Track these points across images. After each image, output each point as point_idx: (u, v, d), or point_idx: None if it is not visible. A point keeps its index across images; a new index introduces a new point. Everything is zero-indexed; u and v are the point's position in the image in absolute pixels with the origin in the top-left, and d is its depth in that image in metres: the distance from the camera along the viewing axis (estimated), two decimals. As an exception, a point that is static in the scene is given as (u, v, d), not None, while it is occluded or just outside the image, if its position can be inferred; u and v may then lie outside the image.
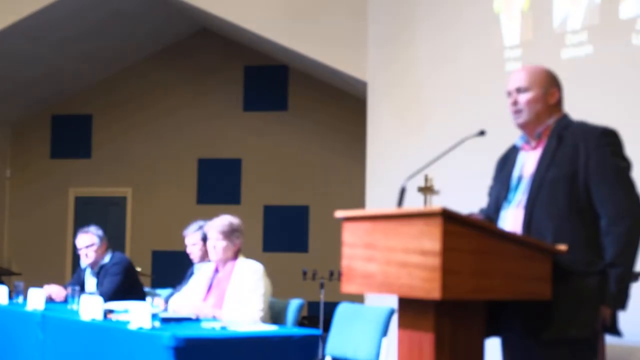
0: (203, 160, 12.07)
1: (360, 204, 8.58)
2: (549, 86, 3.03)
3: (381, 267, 2.75)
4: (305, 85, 11.59)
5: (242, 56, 11.76)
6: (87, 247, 5.77)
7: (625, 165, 2.89)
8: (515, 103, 3.02)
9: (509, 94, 3.05)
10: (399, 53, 7.82)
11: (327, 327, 4.86)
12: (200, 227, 5.51)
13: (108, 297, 5.14)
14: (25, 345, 4.98)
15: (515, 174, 3.05)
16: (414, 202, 6.58)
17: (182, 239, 5.63)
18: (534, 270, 2.69)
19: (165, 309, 4.67)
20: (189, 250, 5.59)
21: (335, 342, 4.48)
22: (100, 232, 5.84)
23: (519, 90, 3.02)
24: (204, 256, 5.29)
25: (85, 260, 5.82)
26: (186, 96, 12.10)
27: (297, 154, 11.77)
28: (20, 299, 5.58)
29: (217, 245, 4.66)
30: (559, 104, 3.05)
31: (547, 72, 3.06)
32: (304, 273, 8.77)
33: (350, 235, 2.92)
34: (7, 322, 5.33)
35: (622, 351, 4.48)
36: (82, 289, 5.54)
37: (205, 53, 12.05)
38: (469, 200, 3.62)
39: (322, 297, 8.42)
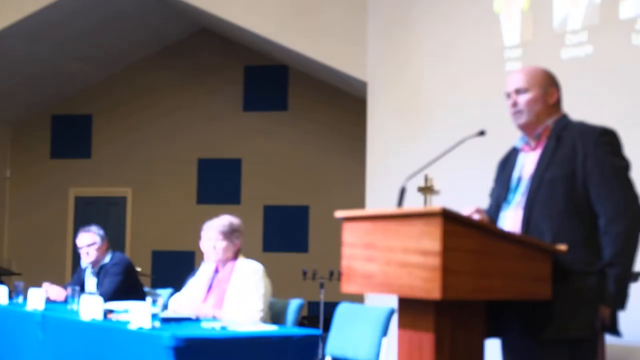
0: (203, 160, 12.07)
1: (360, 204, 8.58)
2: (547, 86, 3.02)
3: (381, 267, 2.75)
4: (305, 85, 11.59)
5: (242, 56, 11.76)
6: (88, 245, 5.78)
7: (623, 164, 2.88)
8: (515, 104, 3.01)
9: (508, 95, 3.03)
10: (399, 53, 7.82)
11: (327, 327, 4.85)
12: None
13: (108, 297, 5.13)
14: (25, 345, 4.98)
15: (515, 175, 3.05)
16: (414, 202, 6.58)
17: (182, 239, 5.59)
18: (534, 270, 2.69)
19: (165, 307, 4.65)
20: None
21: (335, 342, 4.48)
22: (101, 232, 5.85)
23: (518, 92, 3.01)
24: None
25: (86, 259, 5.82)
26: (186, 96, 12.10)
27: (297, 154, 11.77)
28: (20, 299, 5.58)
29: (217, 246, 4.65)
30: (557, 103, 3.04)
31: (545, 72, 3.05)
32: (304, 273, 8.77)
33: (350, 235, 2.92)
34: (7, 322, 5.33)
35: (622, 351, 4.48)
36: (82, 289, 5.54)
37: (205, 53, 12.05)
38: (469, 200, 3.61)
39: (322, 297, 8.41)
